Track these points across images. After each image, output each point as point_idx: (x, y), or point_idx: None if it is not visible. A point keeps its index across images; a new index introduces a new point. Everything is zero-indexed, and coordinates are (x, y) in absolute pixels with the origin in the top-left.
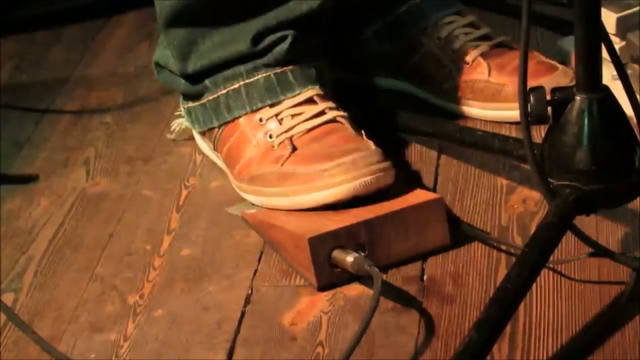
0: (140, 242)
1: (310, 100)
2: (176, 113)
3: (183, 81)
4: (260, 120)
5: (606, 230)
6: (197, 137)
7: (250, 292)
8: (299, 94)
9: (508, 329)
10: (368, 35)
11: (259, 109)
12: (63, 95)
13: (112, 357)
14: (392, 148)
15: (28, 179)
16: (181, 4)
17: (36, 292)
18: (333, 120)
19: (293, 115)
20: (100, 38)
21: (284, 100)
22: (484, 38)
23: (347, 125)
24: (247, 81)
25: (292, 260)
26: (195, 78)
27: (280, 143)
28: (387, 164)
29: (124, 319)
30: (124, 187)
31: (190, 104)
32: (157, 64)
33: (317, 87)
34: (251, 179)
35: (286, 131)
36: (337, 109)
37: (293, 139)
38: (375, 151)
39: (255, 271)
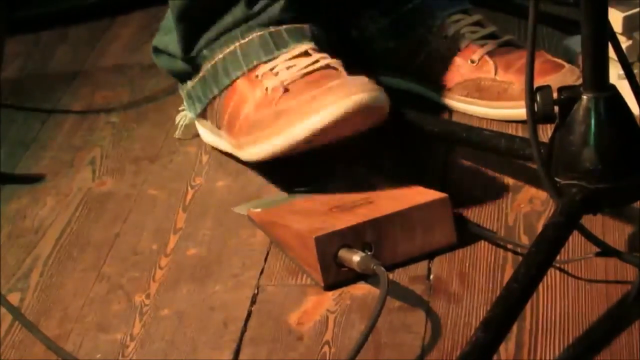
0: (146, 242)
1: (305, 54)
2: (180, 108)
3: (181, 62)
4: (257, 77)
5: (613, 229)
6: (200, 127)
7: (256, 291)
8: (293, 48)
9: (515, 328)
10: (373, 32)
11: (255, 67)
12: (69, 95)
13: (118, 357)
14: (398, 147)
15: (34, 179)
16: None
17: (42, 292)
18: (327, 67)
19: (288, 67)
20: (105, 38)
21: (278, 55)
22: (491, 37)
23: (341, 70)
24: (242, 42)
25: (298, 259)
26: (196, 56)
27: (273, 88)
28: (378, 87)
29: (131, 318)
30: (130, 186)
31: (189, 85)
32: (156, 48)
33: (312, 43)
34: (249, 129)
35: (282, 81)
36: (331, 57)
37: (286, 83)
38: (367, 78)
39: (262, 270)
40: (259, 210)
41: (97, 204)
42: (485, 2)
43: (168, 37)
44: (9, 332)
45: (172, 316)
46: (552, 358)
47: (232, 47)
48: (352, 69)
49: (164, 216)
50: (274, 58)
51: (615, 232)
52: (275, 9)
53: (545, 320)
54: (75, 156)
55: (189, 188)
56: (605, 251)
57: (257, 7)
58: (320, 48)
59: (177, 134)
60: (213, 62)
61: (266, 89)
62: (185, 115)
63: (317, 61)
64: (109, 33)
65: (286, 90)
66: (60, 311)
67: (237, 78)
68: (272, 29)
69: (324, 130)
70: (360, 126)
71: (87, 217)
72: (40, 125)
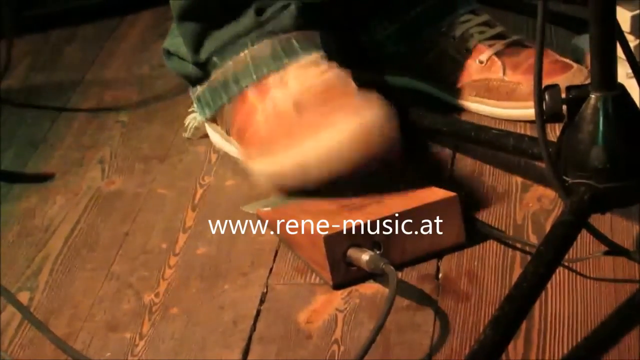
0: (155, 241)
1: (314, 63)
2: (190, 109)
3: (192, 66)
4: (267, 86)
5: (621, 228)
6: (210, 129)
7: (265, 290)
8: (303, 57)
9: (523, 327)
10: (384, 38)
11: (264, 77)
12: (78, 94)
13: (127, 356)
14: (407, 146)
15: (44, 178)
16: None
17: (52, 291)
18: (336, 78)
19: (297, 77)
20: (114, 37)
21: (288, 64)
22: (499, 37)
23: (350, 81)
24: (252, 50)
25: (307, 258)
26: (206, 63)
27: (285, 104)
28: (387, 104)
29: (140, 317)
30: (140, 185)
31: (199, 90)
32: (167, 51)
33: (322, 51)
34: (259, 142)
35: (292, 94)
36: (340, 68)
37: (297, 98)
38: (375, 94)
39: (271, 269)
40: (268, 209)
41: (106, 203)
42: (494, 1)
43: (178, 39)
44: (18, 330)
45: (181, 315)
46: (560, 356)
47: (241, 55)
48: (360, 72)
49: (173, 215)
50: (284, 67)
51: (624, 231)
52: (284, 17)
53: (554, 319)
54: (84, 155)
55: (198, 187)
56: (614, 250)
57: (266, 15)
58: (330, 56)
59: (187, 134)
60: (223, 69)
61: (276, 102)
62: (194, 118)
63: (325, 71)
64: (118, 32)
65: (296, 104)
66: (69, 310)
67: (247, 87)
68: (281, 36)
69: (337, 150)
70: (370, 152)
71: (97, 216)
72: (49, 125)
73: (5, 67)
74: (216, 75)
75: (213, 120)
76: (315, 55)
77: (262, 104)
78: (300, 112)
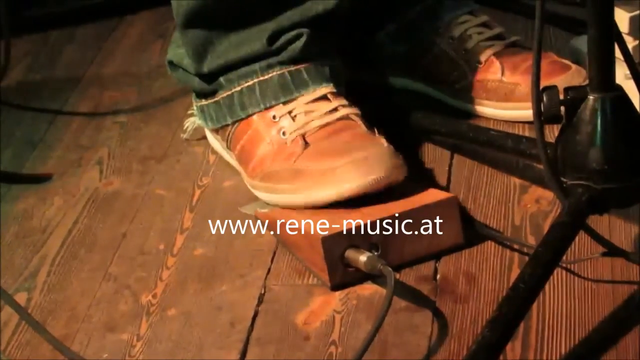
0: (153, 242)
1: (323, 98)
2: (189, 112)
3: (197, 79)
4: (274, 117)
5: (619, 229)
6: (209, 135)
7: (263, 291)
8: (312, 91)
9: (521, 328)
10: (382, 38)
11: (272, 107)
12: (76, 94)
13: (125, 357)
14: (405, 147)
15: (41, 179)
16: (198, 5)
17: (49, 292)
18: (346, 118)
19: (306, 112)
20: (113, 37)
21: (297, 97)
22: (497, 38)
23: (359, 122)
24: (261, 78)
25: (305, 259)
26: (210, 77)
27: (293, 140)
28: (398, 160)
29: (137, 318)
30: (137, 186)
31: (204, 102)
32: (171, 63)
33: (331, 85)
34: (264, 176)
35: (299, 128)
36: (350, 106)
37: (306, 135)
38: (387, 148)
39: (269, 270)
40: (266, 210)
41: (104, 204)
42: (492, 2)
43: (181, 51)
44: (15, 332)
45: (179, 316)
46: (558, 357)
47: (250, 82)
48: (360, 72)
49: (171, 216)
50: (293, 100)
51: (622, 232)
52: (296, 47)
53: (552, 320)
54: (82, 156)
55: (196, 188)
56: (612, 251)
57: (277, 44)
58: (339, 89)
59: (185, 135)
60: (229, 92)
61: (284, 135)
62: (194, 122)
63: (336, 109)
64: (117, 33)
65: (306, 144)
66: (67, 311)
67: (253, 114)
68: (292, 67)
69: (341, 200)
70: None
71: (94, 217)
72: (47, 125)
73: (4, 67)
74: (222, 95)
75: (214, 130)
76: (325, 89)
77: (268, 135)
78: (311, 156)
